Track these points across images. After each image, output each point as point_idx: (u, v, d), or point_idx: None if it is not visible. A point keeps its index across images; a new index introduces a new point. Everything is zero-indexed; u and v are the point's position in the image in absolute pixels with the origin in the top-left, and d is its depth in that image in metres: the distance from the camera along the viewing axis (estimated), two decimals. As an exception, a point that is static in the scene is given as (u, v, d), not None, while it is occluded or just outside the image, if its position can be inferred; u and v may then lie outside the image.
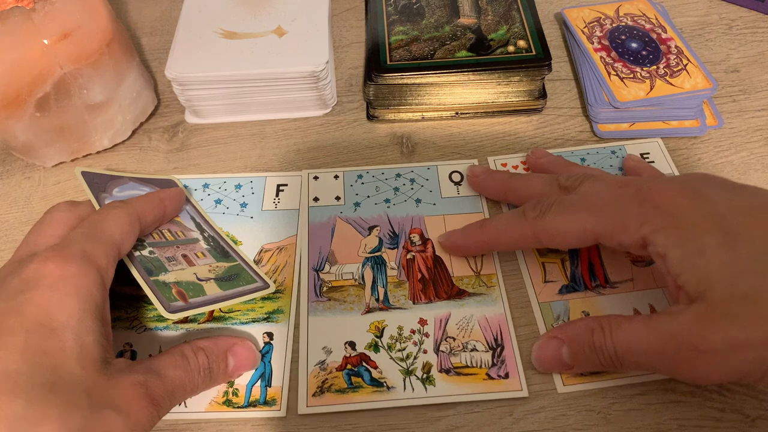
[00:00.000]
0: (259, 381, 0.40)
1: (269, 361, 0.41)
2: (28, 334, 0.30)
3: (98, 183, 0.43)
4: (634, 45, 0.56)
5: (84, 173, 0.43)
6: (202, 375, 0.36)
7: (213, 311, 0.43)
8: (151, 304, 0.44)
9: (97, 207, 0.40)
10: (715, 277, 0.31)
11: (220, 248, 0.44)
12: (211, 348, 0.37)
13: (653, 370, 0.35)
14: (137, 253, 0.39)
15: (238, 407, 0.39)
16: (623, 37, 0.57)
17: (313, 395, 0.39)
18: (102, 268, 0.34)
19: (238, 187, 0.51)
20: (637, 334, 0.32)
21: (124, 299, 0.44)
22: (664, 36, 0.56)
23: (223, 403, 0.39)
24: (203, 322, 0.43)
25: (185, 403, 0.39)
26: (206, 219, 0.46)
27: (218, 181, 0.51)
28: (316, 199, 0.49)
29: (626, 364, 0.34)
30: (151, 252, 0.40)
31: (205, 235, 0.45)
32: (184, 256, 0.41)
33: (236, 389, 0.40)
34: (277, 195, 0.50)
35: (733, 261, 0.31)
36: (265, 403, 0.39)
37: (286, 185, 0.50)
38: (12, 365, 0.29)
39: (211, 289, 0.40)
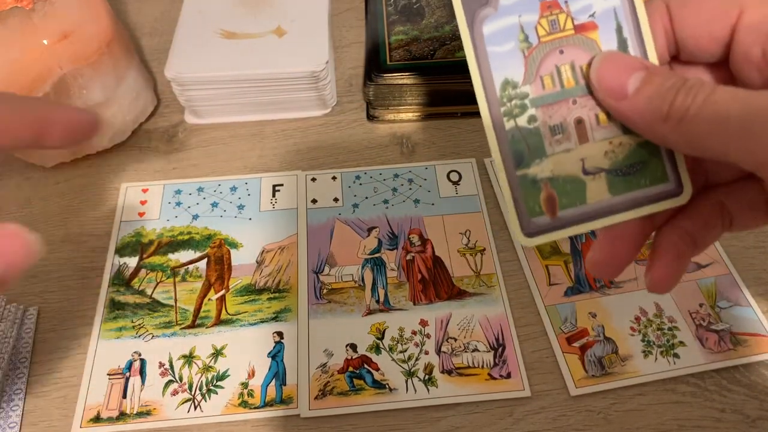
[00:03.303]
0: (274, 380, 0.40)
1: (282, 360, 0.41)
2: None
3: None
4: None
5: None
6: None
7: (220, 313, 0.44)
8: (158, 311, 0.44)
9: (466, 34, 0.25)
10: None
11: None
12: None
13: (733, 130, 0.23)
14: (510, 124, 0.25)
15: (255, 408, 0.39)
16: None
17: (316, 398, 0.39)
18: None
19: (234, 189, 0.50)
20: (744, 90, 0.23)
21: (128, 308, 0.44)
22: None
23: (239, 404, 0.39)
24: (211, 326, 0.43)
25: (200, 407, 0.39)
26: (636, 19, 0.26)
27: (213, 184, 0.51)
28: (314, 201, 0.49)
29: (708, 111, 0.23)
30: (532, 119, 0.25)
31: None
32: (579, 122, 0.26)
33: (251, 390, 0.40)
34: (273, 195, 0.50)
35: None
36: (282, 401, 0.39)
37: (282, 185, 0.50)
38: None
39: (597, 192, 0.26)
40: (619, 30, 0.25)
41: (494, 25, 0.25)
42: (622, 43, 0.25)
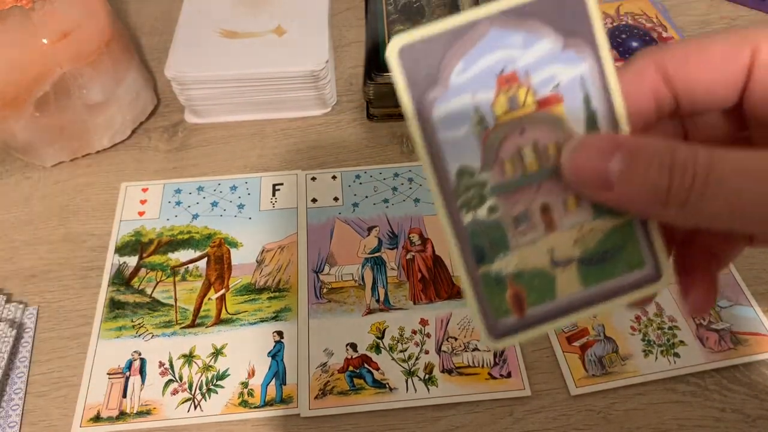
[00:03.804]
0: (274, 380, 0.40)
1: (282, 359, 0.41)
2: None
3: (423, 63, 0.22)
4: (634, 44, 0.56)
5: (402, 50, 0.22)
6: None
7: (220, 312, 0.43)
8: (158, 311, 0.44)
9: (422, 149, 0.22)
10: None
11: None
12: None
13: (748, 211, 0.20)
14: (468, 217, 0.23)
15: (255, 407, 0.39)
16: (624, 36, 0.56)
17: (316, 397, 0.39)
18: None
19: (234, 188, 0.50)
20: (749, 154, 0.21)
21: (128, 307, 0.44)
22: (664, 35, 0.56)
23: (239, 404, 0.39)
24: (211, 326, 0.43)
25: (200, 406, 0.39)
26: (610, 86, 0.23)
27: (213, 183, 0.51)
28: (314, 201, 0.49)
29: (715, 193, 0.20)
30: (492, 210, 0.23)
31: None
32: (544, 210, 0.23)
33: (251, 390, 0.40)
34: (273, 194, 0.50)
35: None
36: (282, 401, 0.39)
37: (282, 184, 0.50)
38: None
39: (568, 284, 0.23)
40: (587, 100, 0.22)
41: (445, 107, 0.22)
42: (591, 116, 0.22)
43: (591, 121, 0.22)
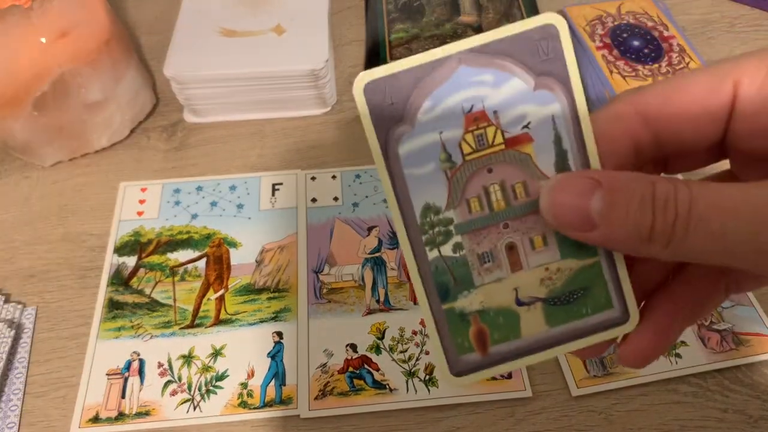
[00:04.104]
0: (273, 381, 0.40)
1: (281, 360, 0.41)
2: None
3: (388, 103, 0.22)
4: (636, 43, 0.55)
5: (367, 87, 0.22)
6: None
7: (220, 312, 0.43)
8: (157, 311, 0.44)
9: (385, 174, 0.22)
10: None
11: None
12: None
13: (733, 248, 0.20)
14: (433, 254, 0.23)
15: (254, 408, 0.39)
16: (625, 35, 0.56)
17: (315, 398, 0.39)
18: None
19: (233, 188, 0.50)
20: (732, 189, 0.20)
21: (127, 307, 0.44)
22: (666, 34, 0.56)
23: (239, 405, 0.39)
24: (210, 326, 0.43)
25: (199, 407, 0.39)
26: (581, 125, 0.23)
27: (212, 183, 0.51)
28: (314, 200, 0.49)
29: (698, 231, 0.20)
30: (457, 248, 0.23)
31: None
32: (511, 248, 0.23)
33: (251, 390, 0.40)
34: (273, 194, 0.50)
35: None
36: (282, 402, 0.39)
37: (282, 184, 0.50)
38: None
39: (533, 324, 0.23)
40: (557, 141, 0.22)
41: (411, 144, 0.22)
42: (561, 156, 0.22)
43: (561, 162, 0.22)
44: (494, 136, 0.22)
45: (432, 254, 0.22)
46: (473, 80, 0.22)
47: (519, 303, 0.23)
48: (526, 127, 0.22)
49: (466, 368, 0.23)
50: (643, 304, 0.24)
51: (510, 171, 0.22)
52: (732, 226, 0.19)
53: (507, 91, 0.22)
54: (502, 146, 0.22)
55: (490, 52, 0.21)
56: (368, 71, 0.21)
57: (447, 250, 0.22)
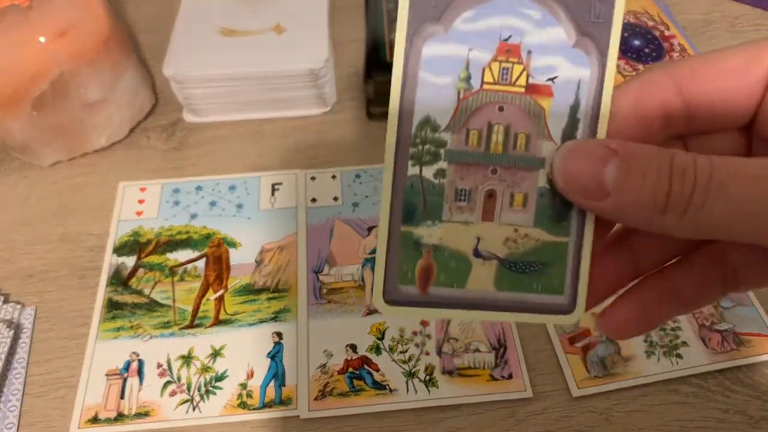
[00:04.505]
0: (273, 381, 0.40)
1: (281, 361, 0.41)
2: None
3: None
4: (636, 42, 0.55)
5: None
6: None
7: (219, 313, 0.43)
8: (156, 311, 0.44)
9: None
10: None
11: (565, 201, 0.22)
12: None
13: (751, 217, 0.19)
14: (413, 170, 0.22)
15: (254, 409, 0.39)
16: (626, 34, 0.56)
17: (315, 399, 0.39)
18: None
19: (232, 188, 0.50)
20: (754, 161, 0.20)
21: (126, 308, 0.43)
22: (666, 33, 0.56)
23: (238, 405, 0.39)
24: (210, 326, 0.42)
25: (199, 408, 0.39)
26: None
27: (211, 182, 0.51)
28: (313, 200, 0.49)
29: (718, 198, 0.19)
30: (439, 174, 0.22)
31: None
32: (490, 195, 0.22)
33: (250, 391, 0.39)
34: (272, 194, 0.50)
35: None
36: (281, 402, 0.39)
37: (281, 184, 0.50)
38: None
39: (481, 280, 0.22)
40: (575, 107, 0.21)
41: (438, 49, 0.20)
42: (573, 124, 0.21)
43: (570, 129, 0.21)
44: (519, 76, 0.21)
45: (412, 170, 0.21)
46: (522, 11, 0.21)
47: (476, 254, 0.22)
48: (551, 80, 0.21)
49: (399, 299, 0.22)
50: (638, 282, 0.24)
51: (520, 117, 0.21)
52: (751, 193, 0.18)
53: (547, 36, 0.21)
54: (523, 89, 0.21)
55: None
56: None
57: (429, 172, 0.21)
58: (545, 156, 0.22)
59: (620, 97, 0.22)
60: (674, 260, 0.24)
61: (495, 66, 0.21)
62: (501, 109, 0.21)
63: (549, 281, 0.22)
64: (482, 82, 0.21)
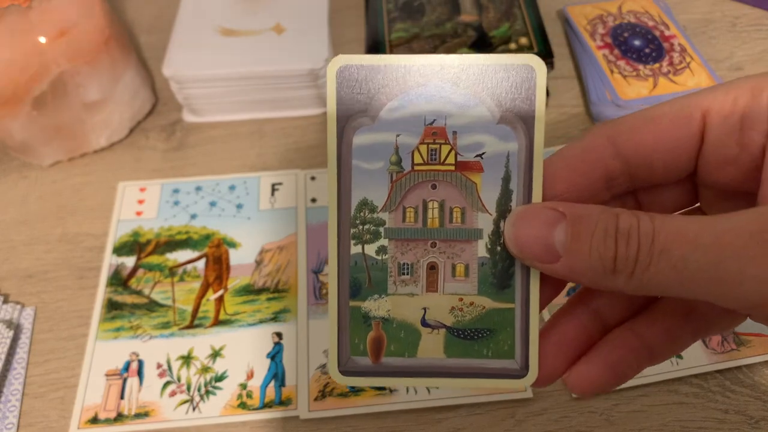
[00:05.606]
0: (273, 381, 0.40)
1: (281, 361, 0.41)
2: None
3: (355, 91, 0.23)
4: (637, 42, 0.55)
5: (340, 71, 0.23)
6: None
7: (219, 313, 0.43)
8: (156, 311, 0.44)
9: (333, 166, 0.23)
10: None
11: (506, 268, 0.23)
12: None
13: (695, 278, 0.19)
14: (356, 249, 0.23)
15: (254, 409, 0.39)
16: (626, 34, 0.56)
17: (315, 399, 0.39)
18: None
19: (232, 188, 0.50)
20: (694, 221, 0.20)
21: (126, 308, 0.43)
22: (667, 33, 0.56)
23: (238, 406, 0.39)
24: (209, 327, 0.42)
25: (199, 408, 0.39)
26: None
27: (211, 182, 0.50)
28: (313, 200, 0.49)
29: (661, 262, 0.20)
30: (381, 251, 0.23)
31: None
32: (431, 268, 0.23)
33: (250, 391, 0.39)
34: (272, 194, 0.49)
35: None
36: (281, 403, 0.39)
37: (281, 184, 0.50)
38: None
39: (431, 348, 0.23)
40: (506, 179, 0.22)
41: (367, 138, 0.22)
42: (506, 195, 0.22)
43: (504, 201, 0.22)
44: (447, 155, 0.22)
45: (355, 249, 0.23)
46: (443, 96, 0.22)
47: (424, 323, 0.23)
48: (479, 156, 0.22)
49: (353, 369, 0.23)
50: (605, 337, 0.24)
51: (453, 193, 0.22)
52: (693, 257, 0.19)
53: (471, 116, 0.22)
54: (452, 167, 0.22)
55: (467, 74, 0.22)
56: (347, 56, 0.22)
57: (371, 249, 0.23)
58: (482, 227, 0.23)
59: (559, 163, 0.23)
60: (641, 312, 0.24)
61: (423, 148, 0.22)
62: (434, 186, 0.23)
63: (498, 346, 0.23)
64: (413, 164, 0.22)
